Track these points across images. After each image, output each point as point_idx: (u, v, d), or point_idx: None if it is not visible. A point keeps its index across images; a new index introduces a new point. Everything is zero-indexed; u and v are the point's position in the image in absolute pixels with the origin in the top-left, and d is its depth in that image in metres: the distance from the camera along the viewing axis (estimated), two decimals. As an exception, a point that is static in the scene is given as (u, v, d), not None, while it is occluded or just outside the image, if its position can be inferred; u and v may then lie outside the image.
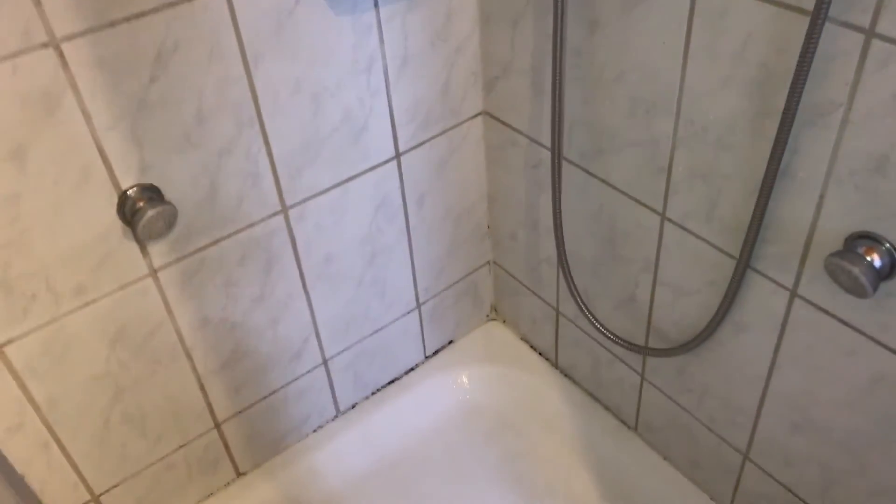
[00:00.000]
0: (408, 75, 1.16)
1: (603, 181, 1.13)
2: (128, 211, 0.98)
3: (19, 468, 1.08)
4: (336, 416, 1.47)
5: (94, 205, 0.95)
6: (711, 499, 1.28)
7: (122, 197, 0.97)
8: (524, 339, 1.58)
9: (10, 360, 0.99)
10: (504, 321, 1.62)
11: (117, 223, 0.99)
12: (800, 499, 1.10)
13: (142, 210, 0.97)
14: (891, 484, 0.95)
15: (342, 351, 1.39)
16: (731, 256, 1.00)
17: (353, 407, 1.49)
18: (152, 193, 0.99)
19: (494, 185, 1.39)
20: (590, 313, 1.25)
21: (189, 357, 1.17)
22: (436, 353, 1.57)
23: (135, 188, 0.97)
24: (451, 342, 1.59)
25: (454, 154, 1.31)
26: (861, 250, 0.82)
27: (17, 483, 1.07)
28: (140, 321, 1.08)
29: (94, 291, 1.02)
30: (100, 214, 0.97)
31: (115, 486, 1.21)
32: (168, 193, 1.01)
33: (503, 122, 1.27)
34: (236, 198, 1.07)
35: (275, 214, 1.13)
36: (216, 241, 1.09)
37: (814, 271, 0.90)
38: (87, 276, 1.00)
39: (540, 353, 1.55)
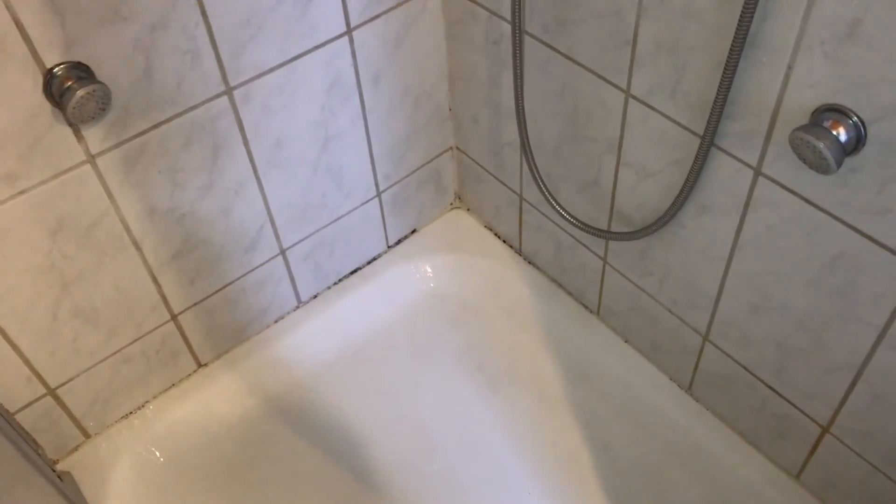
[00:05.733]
0: (357, -58, 1.07)
1: (566, 56, 1.08)
2: (55, 91, 0.91)
3: (-34, 363, 1.05)
4: (297, 307, 1.45)
5: (16, 84, 0.88)
6: (671, 379, 1.29)
7: (48, 75, 0.90)
8: (488, 227, 1.55)
9: (-58, 252, 0.95)
10: (468, 209, 1.59)
11: (45, 105, 0.92)
12: (757, 377, 1.11)
13: (70, 90, 0.90)
14: (844, 360, 0.96)
15: (300, 241, 1.35)
16: (695, 134, 0.96)
17: (315, 297, 1.47)
18: (82, 72, 0.92)
19: (455, 63, 1.32)
20: (553, 198, 1.22)
21: (138, 248, 1.13)
22: (398, 242, 1.54)
23: (62, 66, 0.90)
24: (414, 231, 1.56)
25: (411, 29, 1.23)
26: (827, 124, 0.78)
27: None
28: (81, 211, 1.03)
29: (27, 179, 0.96)
30: (24, 95, 0.90)
31: (70, 380, 1.19)
32: (99, 73, 0.94)
33: (462, -5, 1.19)
34: (175, 77, 1.01)
35: (218, 96, 1.06)
36: (157, 125, 1.03)
37: (779, 148, 0.87)
38: (16, 162, 0.94)
39: (504, 241, 1.53)
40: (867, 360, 0.93)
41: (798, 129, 0.78)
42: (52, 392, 1.18)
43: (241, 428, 1.35)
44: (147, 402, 1.32)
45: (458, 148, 1.48)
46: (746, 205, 0.95)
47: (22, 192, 0.97)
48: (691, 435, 1.25)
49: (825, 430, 1.06)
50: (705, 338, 1.16)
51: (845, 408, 1.01)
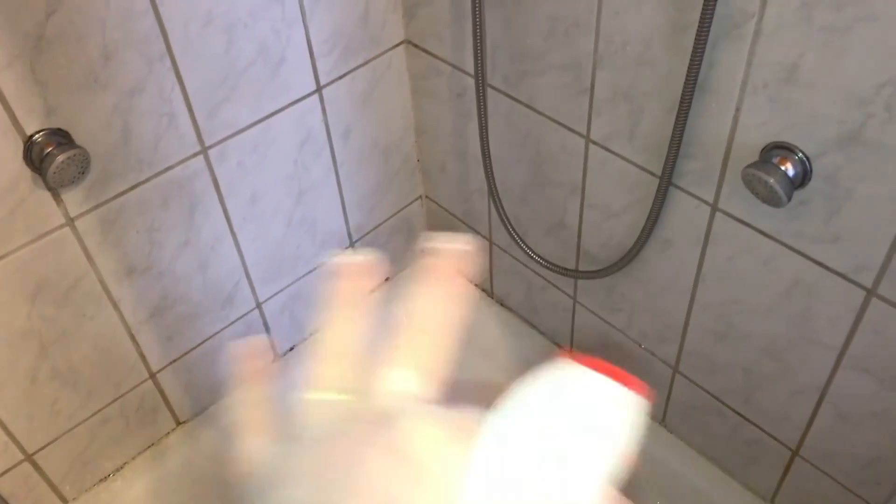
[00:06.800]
0: (324, 3, 1.12)
1: (527, 106, 1.13)
2: (35, 157, 0.93)
3: (-56, 431, 1.04)
4: (274, 360, 1.46)
5: (-3, 152, 0.91)
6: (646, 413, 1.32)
7: (28, 143, 0.92)
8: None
9: (-78, 320, 0.95)
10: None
11: (25, 171, 0.94)
12: (727, 405, 1.15)
13: (51, 155, 0.92)
14: (808, 383, 1.00)
15: (276, 293, 1.37)
16: (654, 175, 1.01)
17: (292, 349, 1.48)
18: (61, 138, 0.94)
19: (421, 116, 1.37)
20: (521, 241, 1.26)
21: (116, 308, 1.14)
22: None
23: (42, 133, 0.93)
24: (387, 279, 1.59)
25: (378, 85, 1.28)
26: (776, 160, 0.84)
27: (-56, 446, 1.04)
28: (60, 273, 1.05)
29: (7, 245, 0.97)
30: (5, 163, 0.92)
31: (48, 444, 1.18)
32: (78, 137, 0.96)
33: (426, 51, 1.25)
34: (152, 139, 1.03)
35: (195, 155, 1.09)
36: (135, 186, 1.05)
37: (732, 185, 0.92)
38: (-3, 228, 0.95)
39: (475, 285, 1.56)
40: (829, 382, 0.98)
41: (749, 165, 0.84)
42: (29, 458, 1.17)
43: (221, 486, 1.34)
44: (126, 462, 1.31)
45: (427, 196, 1.52)
46: (706, 239, 1.00)
47: (2, 258, 0.98)
48: (668, 467, 1.28)
49: (795, 452, 1.10)
50: (675, 369, 1.20)
51: (812, 430, 1.05)
